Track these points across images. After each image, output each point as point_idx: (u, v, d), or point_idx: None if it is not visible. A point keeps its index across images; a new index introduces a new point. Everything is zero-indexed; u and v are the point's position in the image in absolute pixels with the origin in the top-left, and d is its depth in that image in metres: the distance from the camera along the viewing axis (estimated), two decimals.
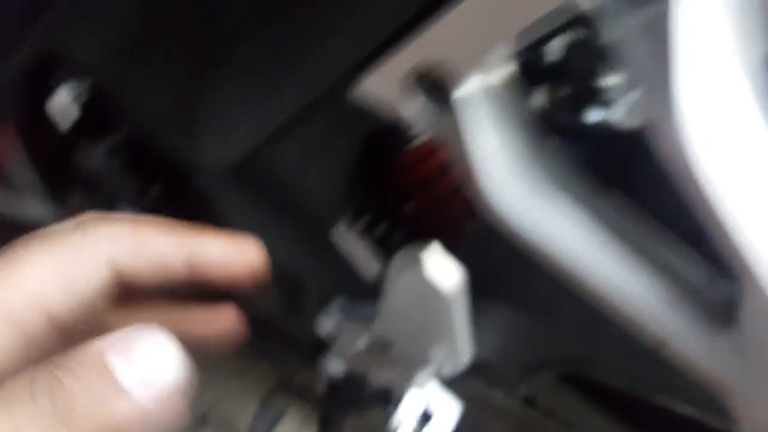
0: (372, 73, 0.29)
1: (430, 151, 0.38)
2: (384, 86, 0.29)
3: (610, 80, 0.30)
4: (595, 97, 0.31)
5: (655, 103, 0.23)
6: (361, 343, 0.50)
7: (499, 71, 0.27)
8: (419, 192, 0.41)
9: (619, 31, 0.23)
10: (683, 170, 0.23)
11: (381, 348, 0.51)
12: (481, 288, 0.37)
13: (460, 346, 0.40)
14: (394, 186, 0.41)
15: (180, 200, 0.54)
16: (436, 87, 0.27)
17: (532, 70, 0.30)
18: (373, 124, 0.33)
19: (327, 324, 0.48)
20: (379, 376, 0.53)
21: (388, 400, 0.51)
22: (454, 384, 0.53)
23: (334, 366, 0.56)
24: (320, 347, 0.60)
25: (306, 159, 0.42)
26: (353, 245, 0.44)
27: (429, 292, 0.34)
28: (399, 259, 0.35)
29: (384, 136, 0.36)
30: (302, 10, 0.32)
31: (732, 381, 0.27)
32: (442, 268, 0.34)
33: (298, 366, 0.62)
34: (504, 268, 0.37)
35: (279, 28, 0.34)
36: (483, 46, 0.25)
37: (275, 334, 0.65)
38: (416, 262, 0.33)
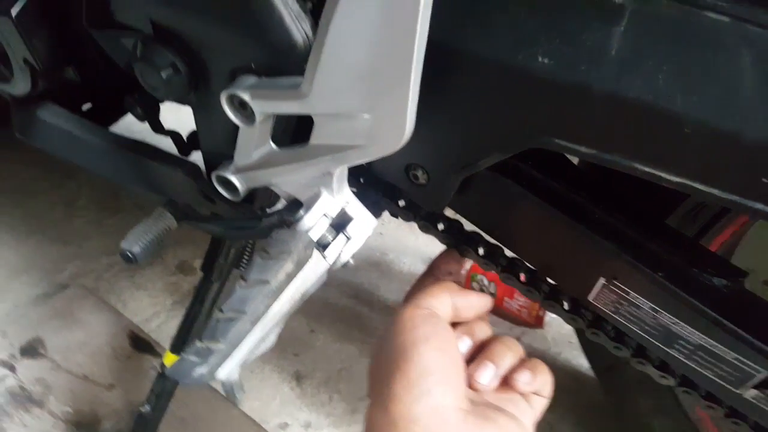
0: None
1: None
2: None
3: None
4: None
5: None
6: (268, 138, 0.41)
7: None
8: None
9: None
10: None
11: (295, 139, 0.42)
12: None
13: (399, 113, 0.33)
14: None
15: None
16: None
17: None
18: None
19: (236, 99, 0.38)
20: (286, 183, 0.44)
21: (296, 208, 0.44)
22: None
23: (235, 181, 0.47)
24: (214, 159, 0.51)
25: None
26: None
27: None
28: None
29: None
30: None
31: None
32: None
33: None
34: None
35: None
36: None
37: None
38: None
